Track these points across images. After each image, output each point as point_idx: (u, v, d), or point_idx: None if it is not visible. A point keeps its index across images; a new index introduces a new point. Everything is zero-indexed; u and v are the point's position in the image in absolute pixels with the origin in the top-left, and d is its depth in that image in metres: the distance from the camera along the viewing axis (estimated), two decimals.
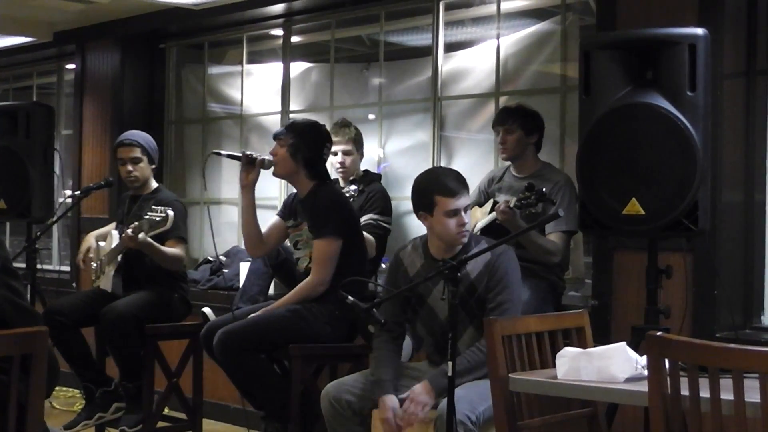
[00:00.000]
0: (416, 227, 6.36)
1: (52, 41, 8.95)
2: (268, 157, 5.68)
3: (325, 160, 5.72)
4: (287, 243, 5.92)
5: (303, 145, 5.60)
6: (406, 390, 4.66)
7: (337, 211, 5.56)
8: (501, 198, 5.51)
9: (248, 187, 5.73)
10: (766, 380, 2.99)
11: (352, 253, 5.58)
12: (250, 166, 5.70)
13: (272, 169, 5.72)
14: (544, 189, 5.18)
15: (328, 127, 6.58)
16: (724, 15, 5.15)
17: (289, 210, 5.82)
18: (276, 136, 5.71)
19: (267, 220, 5.93)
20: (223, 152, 5.99)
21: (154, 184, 6.53)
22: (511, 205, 5.21)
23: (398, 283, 4.85)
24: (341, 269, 5.48)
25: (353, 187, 6.33)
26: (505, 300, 4.60)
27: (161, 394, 6.35)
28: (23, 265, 7.25)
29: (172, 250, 6.18)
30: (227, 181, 8.28)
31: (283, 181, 7.16)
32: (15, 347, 3.39)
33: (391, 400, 4.60)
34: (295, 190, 5.82)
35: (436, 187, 4.65)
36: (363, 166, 6.63)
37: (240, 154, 5.76)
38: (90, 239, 6.61)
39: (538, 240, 5.40)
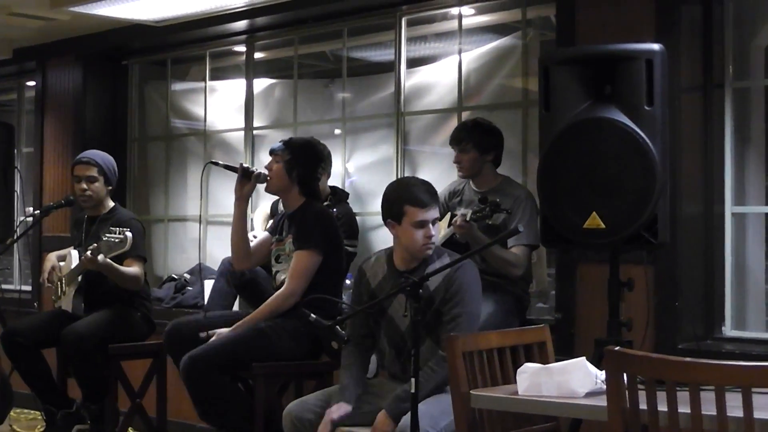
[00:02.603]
0: (382, 242, 6.38)
1: (12, 58, 8.86)
2: (264, 171, 5.68)
3: (319, 179, 5.73)
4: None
5: (299, 162, 5.62)
6: (369, 406, 4.67)
7: (323, 226, 5.57)
8: (460, 212, 5.53)
9: (242, 198, 5.71)
10: (721, 393, 3.02)
11: (330, 271, 5.58)
12: (246, 179, 5.69)
13: (265, 184, 5.72)
14: (498, 200, 5.22)
15: None
16: (680, 30, 5.20)
17: (277, 226, 5.82)
18: (272, 152, 5.72)
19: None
20: (220, 162, 5.97)
21: (110, 204, 6.50)
22: (467, 219, 5.23)
23: (361, 294, 4.88)
24: (316, 286, 5.46)
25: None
26: (459, 313, 4.59)
27: (125, 414, 6.32)
28: None
29: (130, 269, 6.14)
30: (192, 197, 8.26)
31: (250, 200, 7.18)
32: None
33: (340, 407, 4.62)
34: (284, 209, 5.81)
35: (407, 196, 4.66)
36: (330, 182, 6.63)
37: (237, 166, 5.74)
38: (52, 258, 6.58)
39: (500, 253, 5.42)
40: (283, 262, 5.70)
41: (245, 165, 5.74)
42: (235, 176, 5.70)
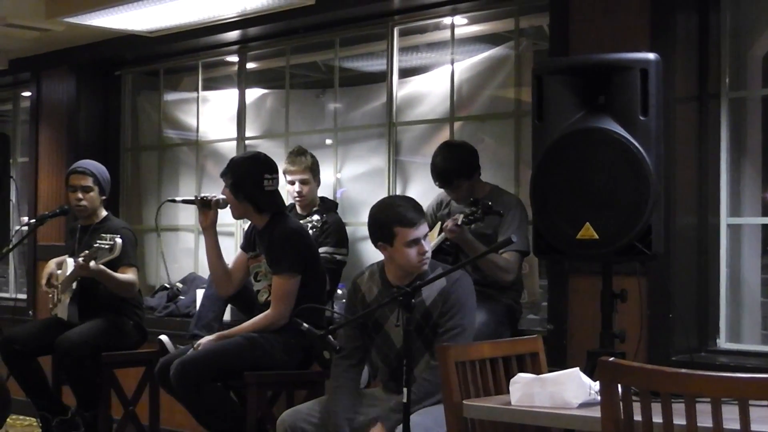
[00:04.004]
0: (373, 253, 6.33)
1: (8, 69, 8.89)
2: (222, 196, 5.68)
3: (270, 191, 5.61)
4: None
5: (240, 182, 5.57)
6: (363, 417, 4.65)
7: (293, 245, 5.52)
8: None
9: (209, 228, 5.74)
10: (717, 405, 2.99)
11: (310, 285, 5.56)
12: (206, 208, 5.69)
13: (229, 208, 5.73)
14: (489, 203, 5.20)
15: (284, 156, 6.59)
16: (675, 40, 5.17)
17: (249, 241, 5.80)
18: (221, 176, 5.71)
19: (222, 246, 5.89)
20: (177, 198, 6.08)
21: (103, 213, 6.56)
22: (459, 222, 5.22)
23: (356, 309, 4.84)
24: (299, 301, 5.45)
25: (316, 217, 6.31)
26: (455, 325, 4.58)
27: (118, 422, 6.37)
28: None
29: (124, 276, 6.21)
30: (184, 208, 8.23)
31: None
32: None
33: None
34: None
35: (395, 218, 4.63)
36: (321, 193, 6.62)
37: (194, 198, 5.75)
38: (51, 265, 6.61)
39: (492, 257, 5.39)
40: (262, 280, 5.68)
41: (201, 195, 5.74)
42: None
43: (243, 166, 5.64)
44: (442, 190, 5.85)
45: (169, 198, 6.15)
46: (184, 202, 5.94)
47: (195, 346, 5.46)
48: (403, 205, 4.70)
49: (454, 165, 5.64)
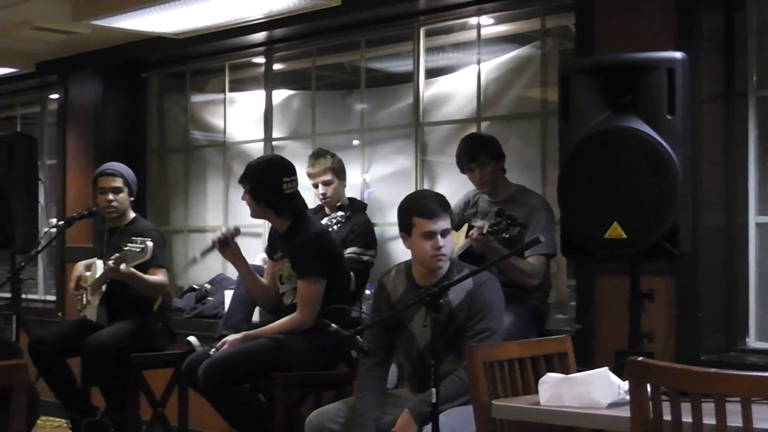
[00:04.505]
0: (400, 253, 6.35)
1: (35, 72, 8.94)
2: (234, 225, 5.81)
3: (289, 194, 5.62)
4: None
5: (258, 187, 5.60)
6: (390, 417, 4.65)
7: (316, 250, 5.53)
8: (477, 224, 5.49)
9: (235, 259, 5.80)
10: (747, 405, 2.99)
11: (334, 287, 5.57)
12: (225, 246, 5.75)
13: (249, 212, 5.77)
14: (514, 214, 5.20)
15: (306, 158, 6.60)
16: (701, 39, 5.16)
17: (272, 245, 5.82)
18: (240, 182, 5.74)
19: (250, 247, 5.92)
20: (198, 255, 6.13)
21: (131, 215, 6.61)
22: (484, 232, 5.21)
23: (381, 308, 4.85)
24: (323, 302, 5.47)
25: (340, 213, 6.32)
26: (484, 329, 4.57)
27: (147, 423, 6.39)
28: (8, 295, 7.26)
29: (155, 277, 6.24)
30: (211, 209, 8.27)
31: None
32: None
33: None
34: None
35: (415, 207, 4.66)
36: (348, 193, 6.62)
37: (211, 245, 5.82)
38: (80, 267, 6.64)
39: (516, 263, 5.39)
40: (286, 283, 5.71)
41: (215, 237, 5.78)
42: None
43: (260, 172, 5.65)
44: (470, 189, 5.86)
45: (194, 256, 6.23)
46: (204, 254, 6.07)
47: (219, 345, 5.49)
48: (427, 197, 4.75)
49: (478, 143, 5.75)
